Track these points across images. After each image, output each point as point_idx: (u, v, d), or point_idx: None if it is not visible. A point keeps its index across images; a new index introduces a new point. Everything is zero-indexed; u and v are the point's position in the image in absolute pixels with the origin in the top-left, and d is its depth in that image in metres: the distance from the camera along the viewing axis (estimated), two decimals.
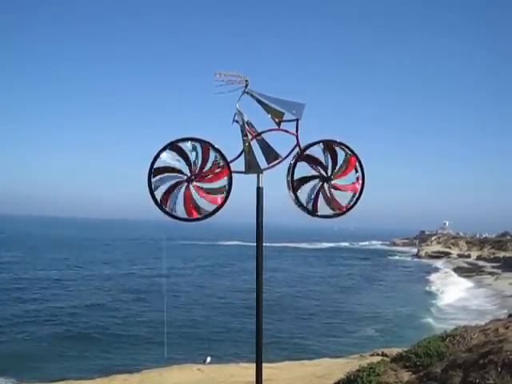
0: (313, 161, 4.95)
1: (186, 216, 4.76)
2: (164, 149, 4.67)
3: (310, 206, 4.95)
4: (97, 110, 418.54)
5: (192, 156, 4.74)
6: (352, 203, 4.98)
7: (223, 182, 4.80)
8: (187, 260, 72.92)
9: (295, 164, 4.92)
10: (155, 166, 4.67)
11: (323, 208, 4.97)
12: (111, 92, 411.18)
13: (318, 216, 4.96)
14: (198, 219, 4.79)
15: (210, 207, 4.78)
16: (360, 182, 4.96)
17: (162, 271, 55.74)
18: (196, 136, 4.78)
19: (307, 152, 4.93)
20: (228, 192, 4.80)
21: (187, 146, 4.72)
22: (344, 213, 4.97)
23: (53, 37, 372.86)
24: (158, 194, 4.70)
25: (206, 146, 4.74)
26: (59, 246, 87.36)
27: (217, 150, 4.76)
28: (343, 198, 4.98)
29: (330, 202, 4.95)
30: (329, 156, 4.95)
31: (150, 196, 4.68)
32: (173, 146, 4.70)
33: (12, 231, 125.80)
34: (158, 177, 4.70)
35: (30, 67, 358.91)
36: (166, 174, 4.71)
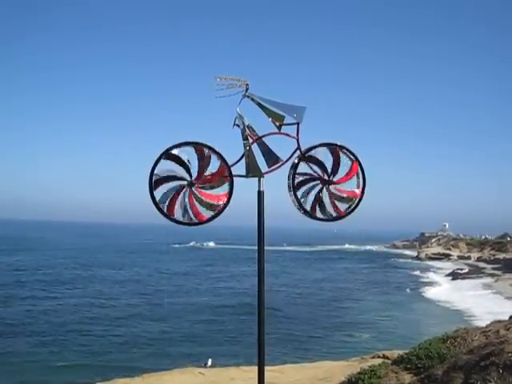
0: (314, 161, 4.95)
1: (195, 220, 4.78)
2: (159, 159, 4.68)
3: (309, 209, 4.96)
4: (97, 115, 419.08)
5: (188, 161, 4.75)
6: (351, 209, 4.99)
7: (222, 180, 4.80)
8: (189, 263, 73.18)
9: (298, 164, 4.93)
10: (154, 179, 4.67)
11: (323, 211, 4.98)
12: (112, 97, 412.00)
13: (316, 219, 4.97)
14: (201, 223, 4.80)
15: (216, 206, 4.80)
16: (361, 188, 4.97)
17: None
18: (189, 140, 4.79)
19: (310, 153, 4.94)
20: (230, 194, 4.82)
21: (181, 152, 4.72)
22: (342, 217, 4.98)
23: (53, 42, 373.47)
24: (164, 205, 4.72)
25: (200, 147, 4.75)
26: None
27: (213, 150, 4.77)
28: (343, 203, 4.99)
29: (330, 205, 4.97)
30: (330, 159, 4.97)
31: (155, 209, 4.70)
32: (167, 155, 4.70)
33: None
34: (159, 188, 4.71)
35: (30, 73, 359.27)
36: (166, 184, 4.72)
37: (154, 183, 4.67)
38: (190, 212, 4.76)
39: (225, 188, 4.81)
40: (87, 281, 51.64)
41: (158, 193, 4.71)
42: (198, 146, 4.75)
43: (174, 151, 4.71)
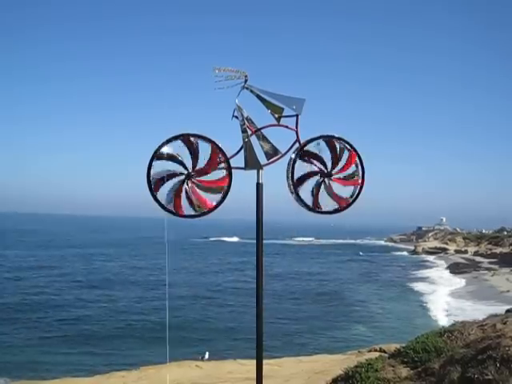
0: (313, 157, 4.92)
1: (203, 209, 4.72)
2: (151, 162, 4.60)
3: (310, 202, 4.93)
4: (96, 109, 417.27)
5: (199, 153, 4.69)
6: (353, 198, 4.96)
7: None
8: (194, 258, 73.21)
9: (295, 160, 4.90)
10: (153, 182, 4.61)
11: (324, 203, 4.95)
12: (111, 91, 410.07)
13: (318, 212, 4.94)
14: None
15: (220, 189, 4.75)
16: (360, 177, 4.94)
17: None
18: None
19: (306, 148, 4.90)
20: (226, 191, 4.77)
21: (171, 148, 4.66)
22: (345, 208, 4.95)
23: (53, 35, 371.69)
24: (170, 205, 4.66)
25: (187, 138, 4.67)
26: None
27: (199, 137, 4.70)
28: (344, 193, 4.96)
29: (332, 196, 4.94)
30: (329, 152, 4.93)
31: (164, 211, 4.64)
32: (158, 156, 4.62)
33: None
34: (160, 190, 4.65)
35: (29, 67, 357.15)
36: (166, 184, 4.66)
37: (154, 186, 4.62)
38: (197, 202, 4.71)
39: (223, 172, 4.75)
40: (90, 275, 51.67)
41: (161, 194, 4.66)
42: (185, 137, 4.69)
43: (164, 149, 4.65)
